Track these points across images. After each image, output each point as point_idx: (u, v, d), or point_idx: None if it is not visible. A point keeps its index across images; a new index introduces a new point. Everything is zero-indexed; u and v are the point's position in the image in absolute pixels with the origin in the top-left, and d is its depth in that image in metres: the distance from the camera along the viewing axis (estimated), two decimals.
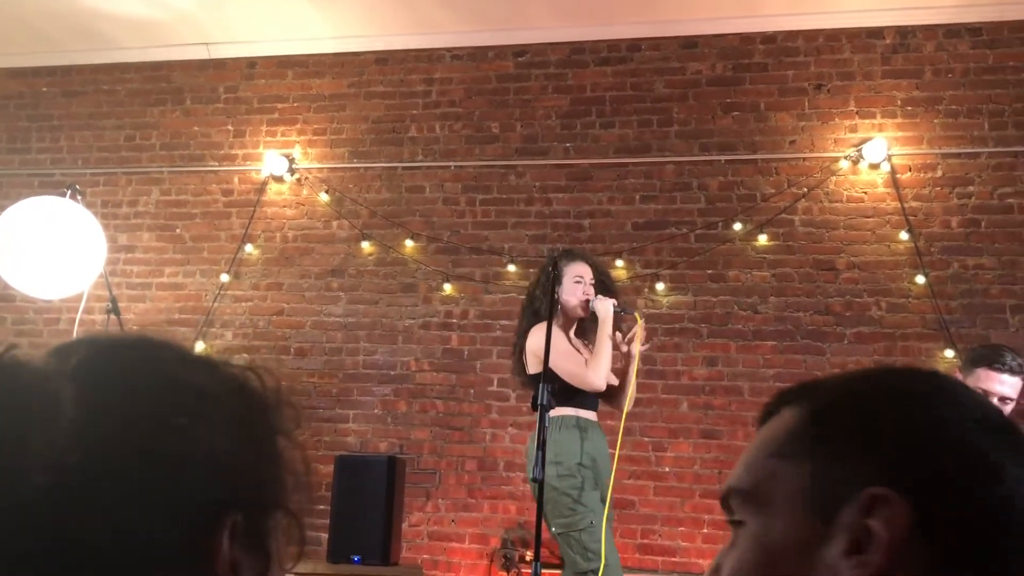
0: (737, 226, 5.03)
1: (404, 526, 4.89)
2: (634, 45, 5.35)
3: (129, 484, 0.59)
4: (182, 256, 5.67)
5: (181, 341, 0.70)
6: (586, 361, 3.44)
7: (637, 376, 3.51)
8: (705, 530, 4.75)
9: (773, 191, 5.04)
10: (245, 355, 5.31)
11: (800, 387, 0.81)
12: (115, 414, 0.60)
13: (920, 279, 4.77)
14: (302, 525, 0.68)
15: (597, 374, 3.40)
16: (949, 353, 4.66)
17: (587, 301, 3.50)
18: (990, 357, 3.15)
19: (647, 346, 3.53)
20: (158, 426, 0.61)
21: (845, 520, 0.70)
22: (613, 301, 3.48)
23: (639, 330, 3.39)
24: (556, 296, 3.43)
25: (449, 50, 5.56)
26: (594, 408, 3.53)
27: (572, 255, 3.73)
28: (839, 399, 0.78)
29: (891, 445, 0.72)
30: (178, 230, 5.71)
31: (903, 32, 5.05)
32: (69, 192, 4.23)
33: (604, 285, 3.67)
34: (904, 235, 4.84)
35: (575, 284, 3.54)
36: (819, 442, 0.76)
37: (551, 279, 3.37)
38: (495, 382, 5.13)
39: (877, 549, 0.68)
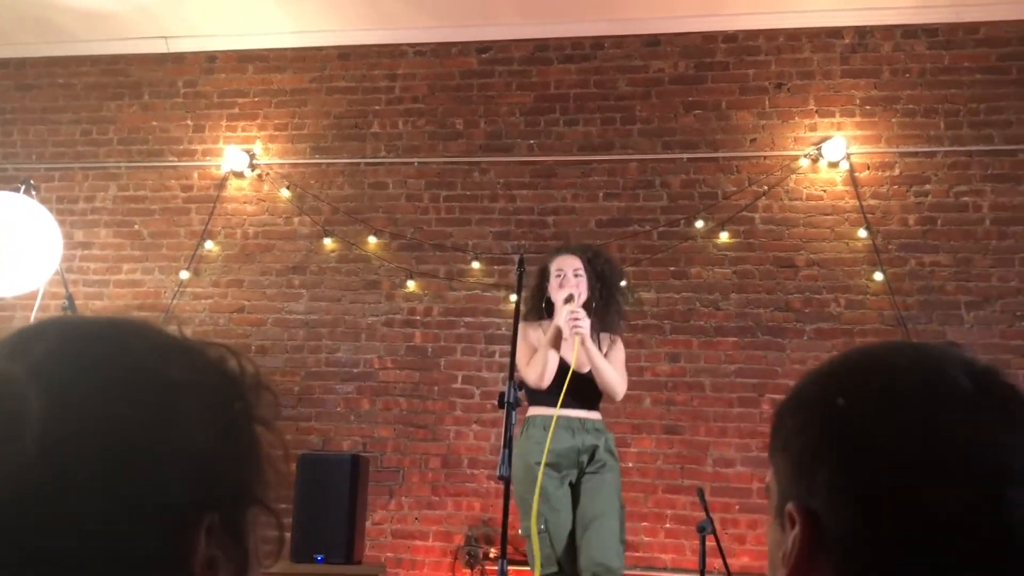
0: (699, 223, 5.07)
1: (367, 524, 4.87)
2: (597, 43, 5.36)
3: (100, 490, 0.57)
4: (140, 253, 5.58)
5: (154, 324, 0.67)
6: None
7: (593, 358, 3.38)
8: (668, 525, 4.79)
9: (734, 189, 5.09)
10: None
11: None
12: (84, 419, 0.58)
13: (878, 276, 4.85)
14: (281, 520, 0.67)
15: (531, 371, 3.34)
16: None
17: (569, 296, 3.35)
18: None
19: (577, 327, 3.27)
20: (130, 428, 0.59)
21: (786, 529, 0.73)
22: (567, 294, 3.33)
23: (565, 313, 3.26)
24: (531, 294, 3.44)
25: (412, 46, 5.54)
26: (552, 404, 3.36)
27: (560, 249, 3.65)
28: (788, 403, 0.79)
29: (805, 458, 0.73)
30: (136, 226, 5.62)
31: (862, 32, 5.12)
32: (23, 187, 4.14)
33: (599, 274, 3.50)
34: (862, 233, 4.91)
35: (555, 279, 3.45)
36: (774, 449, 0.78)
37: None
38: (459, 379, 5.12)
39: (787, 562, 0.71)
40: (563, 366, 3.34)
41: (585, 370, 3.42)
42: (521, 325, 3.36)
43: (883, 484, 0.68)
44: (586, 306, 3.41)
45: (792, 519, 0.72)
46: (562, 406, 3.32)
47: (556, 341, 3.35)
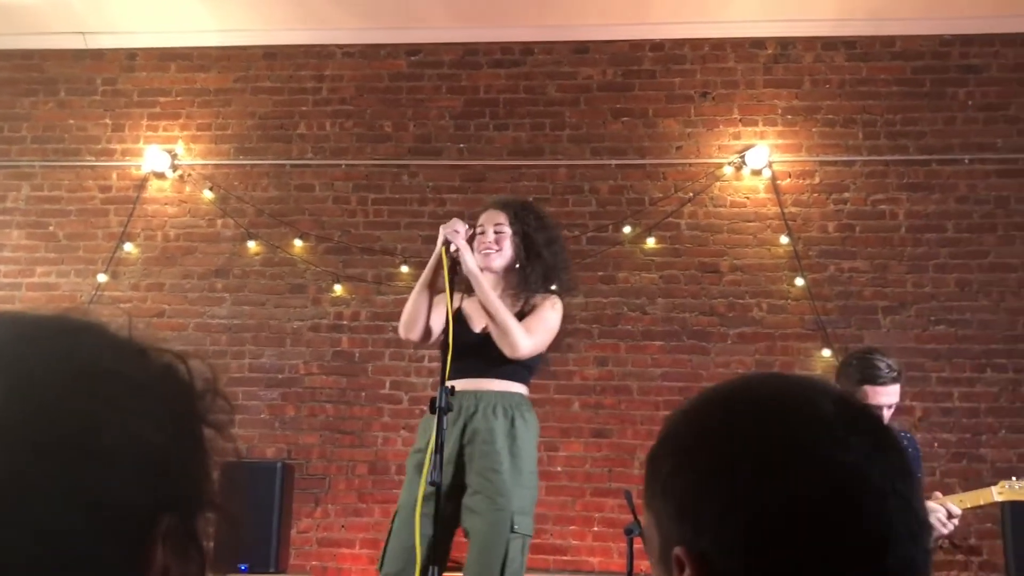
0: (627, 229, 5.12)
1: (292, 533, 4.78)
2: (527, 48, 5.38)
3: (56, 488, 0.54)
4: (55, 255, 5.39)
5: (104, 322, 0.64)
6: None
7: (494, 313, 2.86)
8: (596, 528, 4.82)
9: (661, 195, 5.16)
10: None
11: (664, 420, 0.83)
12: (40, 412, 0.55)
13: (799, 281, 4.96)
14: (237, 523, 0.65)
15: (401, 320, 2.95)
16: (826, 352, 4.86)
17: (487, 252, 2.93)
18: (870, 374, 3.16)
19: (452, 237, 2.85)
20: (87, 424, 0.56)
21: (674, 569, 0.73)
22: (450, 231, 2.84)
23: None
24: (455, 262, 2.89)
25: (340, 47, 5.47)
26: (457, 375, 2.79)
27: (488, 201, 3.23)
28: (659, 449, 0.80)
29: (687, 500, 0.74)
30: (51, 228, 5.43)
31: (784, 43, 5.25)
32: None
33: (526, 231, 3.02)
34: (784, 239, 5.02)
35: (479, 237, 3.00)
36: (652, 495, 0.79)
37: (451, 270, 2.87)
38: (387, 384, 5.07)
39: None
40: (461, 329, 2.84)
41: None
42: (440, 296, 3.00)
43: (767, 519, 0.70)
44: (508, 268, 3.00)
45: (680, 563, 0.72)
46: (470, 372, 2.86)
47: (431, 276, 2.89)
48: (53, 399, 0.56)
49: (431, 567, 2.64)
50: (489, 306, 2.82)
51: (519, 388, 2.97)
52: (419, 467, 2.75)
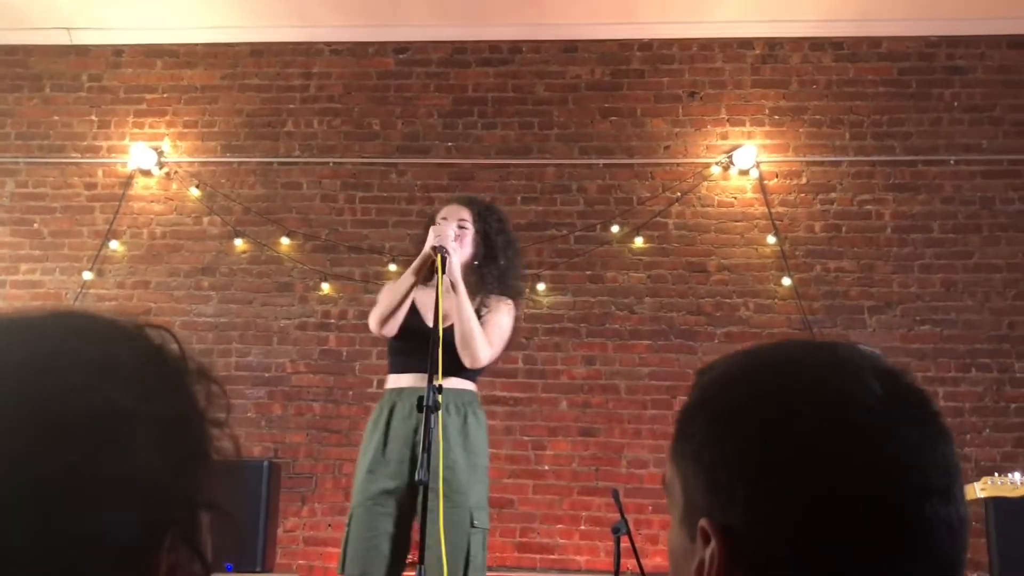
0: (614, 228, 5.13)
1: (279, 532, 4.77)
2: (515, 47, 5.38)
3: (48, 532, 0.53)
4: (40, 252, 5.35)
5: (87, 320, 0.62)
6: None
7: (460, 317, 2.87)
8: (583, 527, 4.83)
9: (649, 195, 5.17)
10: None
11: (698, 374, 0.81)
12: (22, 460, 0.54)
13: (786, 281, 4.98)
14: (236, 519, 0.64)
15: (372, 314, 2.93)
16: None
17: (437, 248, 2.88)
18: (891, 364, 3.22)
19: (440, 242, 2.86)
20: (76, 466, 0.55)
21: (697, 542, 0.72)
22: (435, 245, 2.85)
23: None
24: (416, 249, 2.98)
25: (328, 44, 5.46)
26: (408, 369, 2.91)
27: (452, 198, 3.20)
28: (697, 408, 0.77)
29: (721, 473, 0.71)
30: (36, 224, 5.39)
31: (772, 44, 5.26)
32: None
33: (487, 232, 3.04)
34: (771, 239, 5.04)
35: (437, 225, 2.99)
36: (680, 454, 0.76)
37: (427, 226, 2.92)
38: (375, 383, 5.06)
39: None
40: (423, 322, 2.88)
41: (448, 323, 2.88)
42: (388, 284, 3.10)
43: (804, 502, 0.68)
44: (467, 266, 3.00)
45: (706, 535, 0.70)
46: (400, 371, 2.92)
47: (418, 272, 2.90)
48: (35, 443, 0.54)
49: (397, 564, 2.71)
50: (463, 313, 2.85)
51: (470, 386, 3.00)
52: (372, 466, 2.82)
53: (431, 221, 3.10)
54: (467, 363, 2.89)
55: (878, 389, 0.71)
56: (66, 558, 0.53)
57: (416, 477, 2.34)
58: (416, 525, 2.70)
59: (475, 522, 2.80)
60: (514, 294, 3.13)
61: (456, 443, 2.84)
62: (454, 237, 2.92)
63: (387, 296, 2.95)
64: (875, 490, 0.68)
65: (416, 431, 2.80)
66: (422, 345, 2.76)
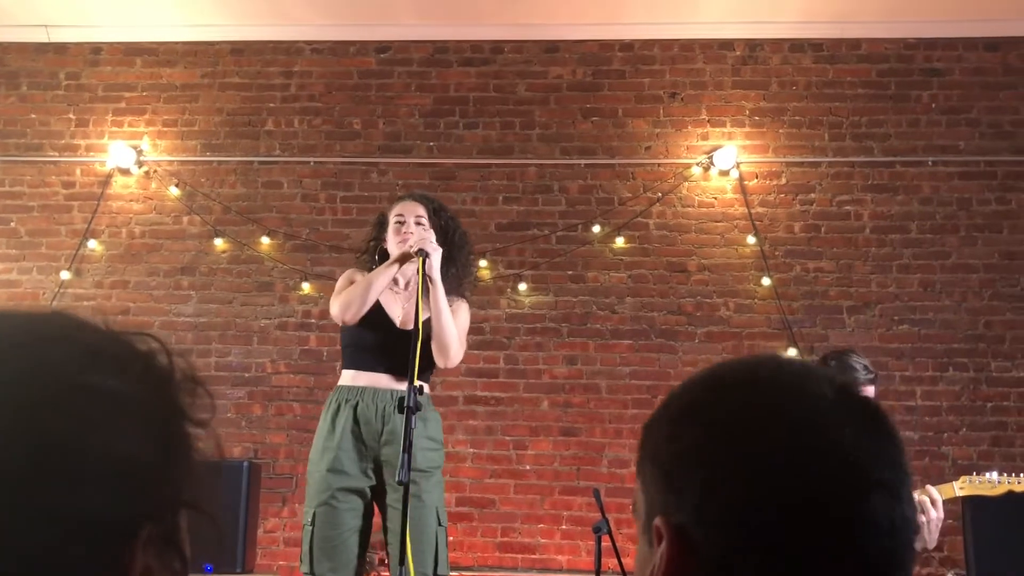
0: (596, 228, 5.14)
1: (259, 532, 4.74)
2: (497, 47, 5.38)
3: (31, 507, 0.53)
4: (17, 252, 5.31)
5: (75, 318, 0.62)
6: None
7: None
8: (564, 527, 4.83)
9: (630, 195, 5.18)
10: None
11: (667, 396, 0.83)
12: (11, 433, 0.54)
13: (766, 281, 5.01)
14: (217, 520, 0.64)
15: (334, 301, 2.95)
16: (792, 352, 4.91)
17: (405, 241, 2.94)
18: (848, 375, 3.25)
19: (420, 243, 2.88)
20: (57, 439, 0.55)
21: (654, 544, 0.72)
22: (415, 248, 2.86)
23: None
24: (366, 243, 3.10)
25: (309, 43, 5.44)
26: (367, 367, 2.94)
27: (401, 196, 3.22)
28: (657, 416, 0.79)
29: (675, 469, 0.73)
30: (13, 224, 5.34)
31: (752, 45, 5.29)
32: None
33: (443, 227, 3.07)
34: (751, 239, 5.07)
35: (395, 225, 3.03)
36: (642, 459, 0.78)
37: (378, 223, 3.01)
38: None
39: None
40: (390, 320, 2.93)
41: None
42: (349, 271, 3.11)
43: (753, 495, 0.69)
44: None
45: (659, 534, 0.71)
46: (358, 368, 2.95)
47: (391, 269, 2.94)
48: (20, 415, 0.55)
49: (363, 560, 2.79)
50: (442, 315, 2.89)
51: (426, 387, 3.03)
52: (334, 465, 2.85)
53: (382, 218, 3.14)
54: (440, 363, 2.94)
55: (829, 391, 0.73)
56: (43, 533, 0.53)
57: (397, 478, 2.33)
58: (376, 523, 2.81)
59: (440, 521, 2.88)
60: (468, 293, 3.20)
61: (421, 444, 2.86)
62: (413, 231, 2.98)
63: (356, 289, 2.94)
64: (819, 484, 0.69)
65: (383, 431, 2.87)
66: (383, 343, 2.85)
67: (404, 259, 2.90)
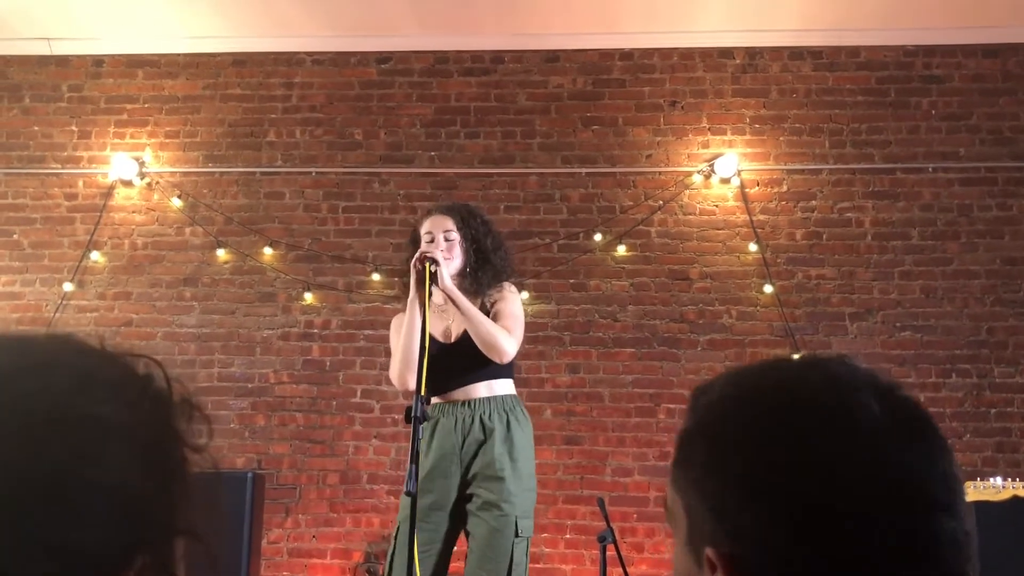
0: (597, 237, 5.15)
1: (263, 543, 4.74)
2: (497, 57, 5.40)
3: (24, 538, 0.53)
4: (20, 264, 5.31)
5: (75, 342, 0.62)
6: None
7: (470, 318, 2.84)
8: (568, 536, 4.83)
9: (631, 203, 5.19)
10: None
11: (693, 396, 0.81)
12: (9, 466, 0.54)
13: (768, 288, 5.01)
14: (211, 546, 0.64)
15: (392, 368, 2.90)
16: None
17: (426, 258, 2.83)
18: (887, 378, 3.25)
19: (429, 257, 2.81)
20: (55, 475, 0.55)
21: (704, 569, 0.72)
22: (423, 256, 2.80)
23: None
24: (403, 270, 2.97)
25: (310, 54, 5.45)
26: (435, 392, 2.87)
27: (430, 210, 3.09)
28: (698, 430, 0.76)
29: (724, 501, 0.71)
30: (15, 236, 5.35)
31: (751, 53, 5.30)
32: None
33: (475, 236, 2.98)
34: (753, 247, 5.07)
35: (425, 245, 2.95)
36: (682, 480, 0.76)
37: (412, 242, 2.93)
38: (358, 393, 5.05)
39: None
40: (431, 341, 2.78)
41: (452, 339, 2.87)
42: (396, 318, 3.02)
43: (811, 528, 0.68)
44: (460, 273, 2.94)
45: (712, 564, 0.71)
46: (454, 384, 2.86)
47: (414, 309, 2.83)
48: (19, 449, 0.55)
49: None
50: (472, 319, 2.82)
51: (509, 389, 2.98)
52: (428, 481, 2.80)
53: (415, 236, 3.06)
54: (497, 360, 2.86)
55: (875, 406, 0.71)
56: (35, 565, 0.53)
57: (406, 489, 2.32)
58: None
59: (519, 531, 2.79)
60: (513, 280, 3.10)
61: (502, 452, 2.82)
62: (444, 248, 2.90)
63: (396, 355, 2.89)
64: (880, 509, 0.68)
65: (464, 444, 2.84)
66: (442, 364, 2.77)
67: (420, 280, 2.79)
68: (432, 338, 2.88)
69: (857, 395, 0.73)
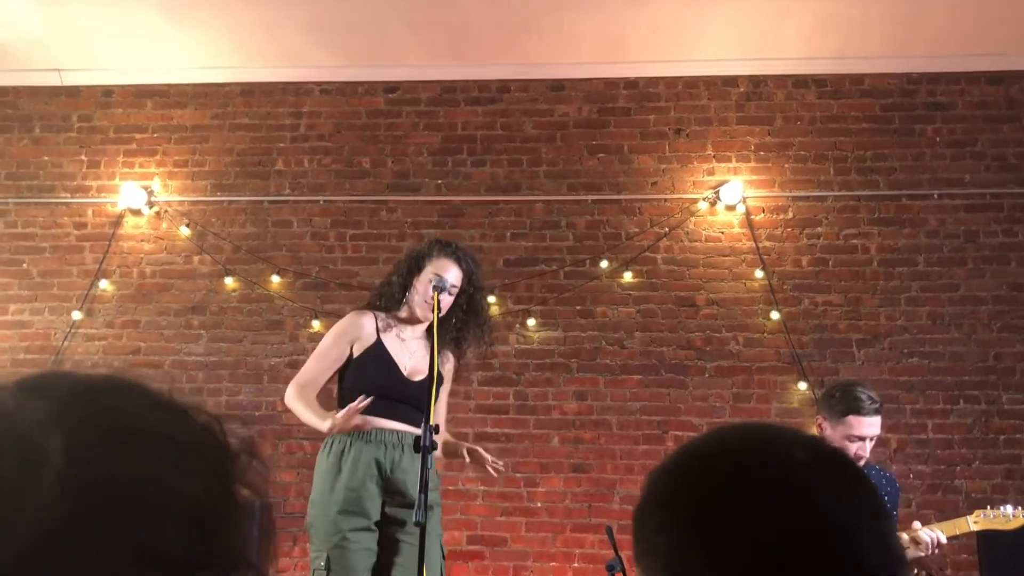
0: (604, 264, 5.16)
1: (271, 573, 4.71)
2: (503, 86, 5.44)
3: (110, 540, 0.55)
4: (29, 292, 5.34)
5: (146, 383, 0.66)
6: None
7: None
8: (576, 564, 4.80)
9: (637, 230, 5.21)
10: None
11: (647, 476, 0.85)
12: (99, 463, 0.57)
13: (774, 315, 5.01)
14: None
15: (288, 393, 3.17)
16: (802, 385, 4.90)
17: (427, 306, 2.99)
18: (853, 405, 3.25)
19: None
20: (136, 481, 0.58)
21: None
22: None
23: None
24: (391, 281, 3.15)
25: (318, 84, 5.50)
26: (371, 412, 3.00)
27: (447, 249, 3.13)
28: (644, 506, 0.81)
29: (675, 559, 0.75)
30: (25, 264, 5.38)
31: (756, 81, 5.34)
32: None
33: (469, 298, 3.14)
34: (759, 273, 5.08)
35: (430, 286, 3.01)
36: (640, 552, 0.80)
37: (412, 265, 3.07)
38: None
39: None
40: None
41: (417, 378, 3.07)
42: (351, 316, 3.23)
43: (741, 562, 0.71)
44: (446, 321, 3.10)
45: None
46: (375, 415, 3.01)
47: None
48: (110, 450, 0.58)
49: None
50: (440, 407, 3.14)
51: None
52: (346, 506, 2.92)
53: (418, 262, 3.15)
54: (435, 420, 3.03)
55: (800, 453, 0.77)
56: (120, 563, 0.55)
57: (415, 519, 2.33)
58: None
59: (443, 552, 3.05)
60: (465, 354, 3.33)
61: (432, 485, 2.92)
62: (449, 301, 3.09)
63: (323, 368, 3.30)
64: (810, 536, 0.72)
65: (392, 471, 2.95)
66: (405, 398, 3.00)
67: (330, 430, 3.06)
68: (396, 371, 3.08)
69: (782, 444, 0.78)
